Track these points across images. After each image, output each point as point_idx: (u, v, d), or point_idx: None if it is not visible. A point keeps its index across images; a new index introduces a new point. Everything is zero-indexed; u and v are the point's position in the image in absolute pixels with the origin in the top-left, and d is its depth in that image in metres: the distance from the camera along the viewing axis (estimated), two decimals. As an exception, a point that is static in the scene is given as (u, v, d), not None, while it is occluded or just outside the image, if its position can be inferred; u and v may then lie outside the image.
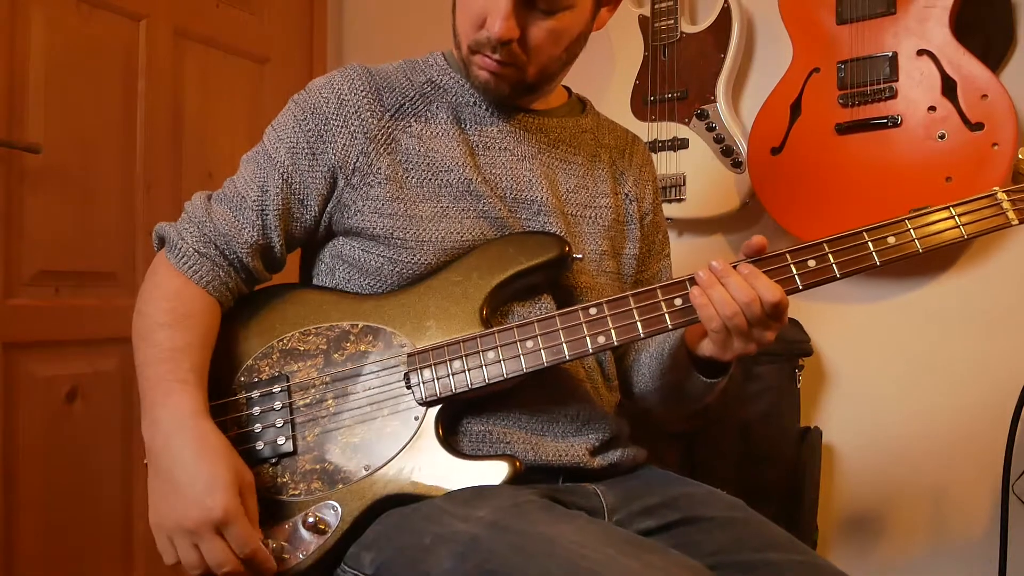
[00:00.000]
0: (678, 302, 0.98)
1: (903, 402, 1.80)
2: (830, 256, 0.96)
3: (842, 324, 1.86)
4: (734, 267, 0.95)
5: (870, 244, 0.96)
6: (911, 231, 0.96)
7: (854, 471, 1.85)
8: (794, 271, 0.96)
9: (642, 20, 1.93)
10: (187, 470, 0.92)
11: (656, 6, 1.90)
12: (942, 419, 1.76)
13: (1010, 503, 1.57)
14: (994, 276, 1.72)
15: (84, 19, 1.79)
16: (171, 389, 0.97)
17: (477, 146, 1.11)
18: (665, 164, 1.89)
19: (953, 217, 0.97)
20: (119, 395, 1.86)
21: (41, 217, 1.72)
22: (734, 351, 0.97)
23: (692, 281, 0.97)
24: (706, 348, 1.02)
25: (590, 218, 1.16)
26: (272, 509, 0.99)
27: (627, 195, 1.22)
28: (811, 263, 0.96)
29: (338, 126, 1.07)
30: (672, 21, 1.88)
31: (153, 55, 1.93)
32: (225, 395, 1.05)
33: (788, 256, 0.97)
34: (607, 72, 1.98)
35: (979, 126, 1.56)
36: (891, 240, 0.96)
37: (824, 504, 1.81)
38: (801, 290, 0.96)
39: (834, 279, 0.96)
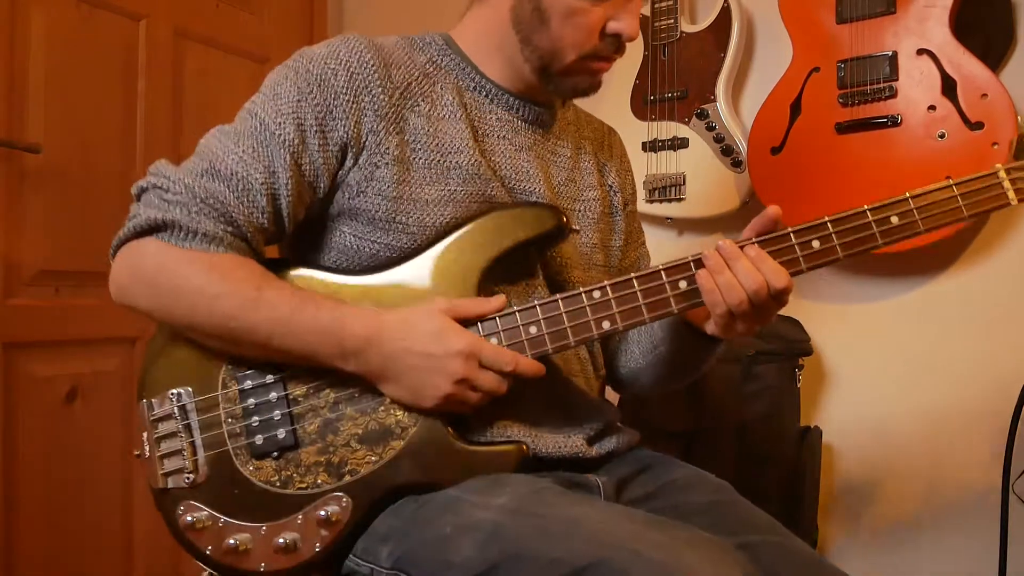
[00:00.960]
0: (683, 284, 0.97)
1: (903, 402, 1.79)
2: (834, 236, 0.96)
3: (842, 324, 1.86)
4: (741, 248, 0.95)
5: (873, 224, 0.96)
6: (914, 210, 0.96)
7: (854, 471, 1.85)
8: (798, 252, 0.96)
9: (642, 19, 1.93)
10: (416, 341, 0.93)
11: (656, 5, 1.90)
12: (942, 419, 1.76)
13: (1010, 503, 1.57)
14: (994, 276, 1.72)
15: (84, 19, 1.79)
16: (336, 312, 0.94)
17: (479, 131, 1.08)
18: (665, 163, 1.89)
19: (950, 186, 0.97)
20: (119, 395, 1.85)
21: (41, 217, 1.72)
22: (736, 332, 0.98)
23: (698, 263, 0.96)
24: (709, 329, 1.01)
25: (580, 211, 1.16)
26: (279, 503, 0.97)
27: (611, 187, 1.23)
28: (815, 244, 0.96)
29: (348, 101, 0.99)
30: (672, 20, 1.88)
31: (153, 55, 1.93)
32: (214, 388, 0.99)
33: (792, 236, 0.97)
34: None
35: (979, 125, 1.56)
36: (894, 220, 0.96)
37: (824, 504, 1.81)
38: (805, 271, 0.97)
39: (837, 260, 0.97)
